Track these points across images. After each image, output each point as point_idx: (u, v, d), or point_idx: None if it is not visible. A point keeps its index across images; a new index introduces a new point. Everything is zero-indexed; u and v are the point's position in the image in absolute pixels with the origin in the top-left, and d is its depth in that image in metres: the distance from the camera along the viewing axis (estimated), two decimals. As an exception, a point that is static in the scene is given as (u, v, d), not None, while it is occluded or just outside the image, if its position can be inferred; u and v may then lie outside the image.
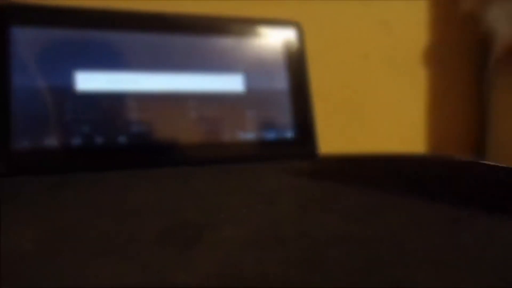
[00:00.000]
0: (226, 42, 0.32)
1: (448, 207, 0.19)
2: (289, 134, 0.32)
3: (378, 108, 0.48)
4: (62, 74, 0.28)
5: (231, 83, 0.31)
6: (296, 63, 0.33)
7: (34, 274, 0.13)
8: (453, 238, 0.16)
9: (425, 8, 0.51)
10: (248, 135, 0.31)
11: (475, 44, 0.51)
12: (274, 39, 0.34)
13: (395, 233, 0.16)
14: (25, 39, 0.27)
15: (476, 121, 0.51)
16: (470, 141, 0.52)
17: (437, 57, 0.51)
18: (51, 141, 0.26)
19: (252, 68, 0.32)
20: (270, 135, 0.31)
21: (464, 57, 0.52)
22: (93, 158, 0.27)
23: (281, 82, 0.33)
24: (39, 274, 0.13)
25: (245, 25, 0.33)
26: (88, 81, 0.28)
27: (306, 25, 0.35)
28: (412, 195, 0.21)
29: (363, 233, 0.16)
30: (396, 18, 0.48)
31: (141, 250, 0.14)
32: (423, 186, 0.23)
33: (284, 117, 0.32)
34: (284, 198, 0.21)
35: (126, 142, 0.28)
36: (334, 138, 0.44)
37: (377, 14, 0.48)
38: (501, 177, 0.27)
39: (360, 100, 0.48)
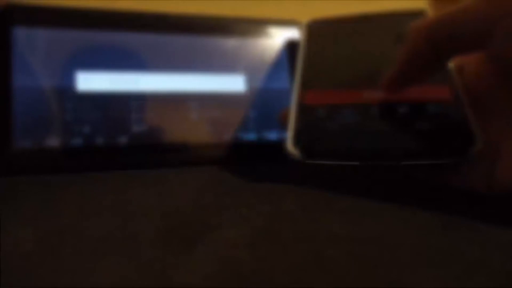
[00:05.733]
0: (228, 42, 0.32)
1: (447, 207, 0.19)
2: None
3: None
4: (63, 74, 0.28)
5: (233, 83, 0.31)
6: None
7: (34, 274, 0.13)
8: (452, 239, 0.16)
9: (425, 8, 0.50)
10: (250, 135, 0.31)
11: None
12: (276, 39, 0.34)
13: (395, 233, 0.16)
14: (26, 39, 0.27)
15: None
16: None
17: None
18: (52, 141, 0.26)
19: (254, 68, 0.32)
20: (272, 136, 0.31)
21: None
22: (93, 158, 0.27)
23: (283, 82, 0.33)
24: (39, 274, 0.13)
25: (247, 25, 0.33)
26: (89, 81, 0.28)
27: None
28: (411, 195, 0.21)
29: (363, 233, 0.16)
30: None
31: (141, 250, 0.14)
32: (422, 186, 0.23)
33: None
34: (284, 198, 0.21)
35: (127, 142, 0.28)
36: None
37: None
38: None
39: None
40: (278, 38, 0.34)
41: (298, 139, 0.22)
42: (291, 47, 0.34)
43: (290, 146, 0.22)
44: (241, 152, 0.30)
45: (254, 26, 0.33)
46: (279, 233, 0.16)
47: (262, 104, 0.32)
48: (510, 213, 0.19)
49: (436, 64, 0.22)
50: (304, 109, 0.24)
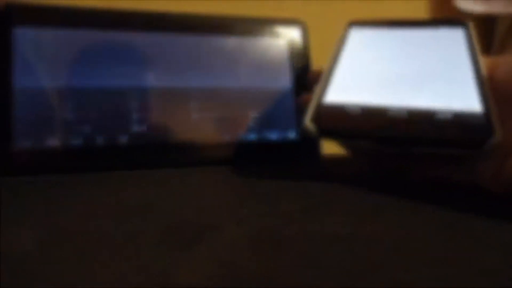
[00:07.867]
0: (230, 41, 0.32)
1: (447, 207, 0.19)
2: (292, 134, 0.32)
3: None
4: (64, 73, 0.28)
5: (233, 83, 0.31)
6: (300, 62, 0.33)
7: (34, 274, 0.13)
8: (452, 239, 0.16)
9: (425, 8, 0.50)
10: (251, 135, 0.31)
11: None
12: (278, 38, 0.34)
13: (395, 233, 0.16)
14: (27, 39, 0.27)
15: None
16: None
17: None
18: (52, 141, 0.26)
19: (255, 68, 0.32)
20: (273, 135, 0.31)
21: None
22: (93, 158, 0.27)
23: (284, 81, 0.33)
24: (39, 274, 0.13)
25: (249, 24, 0.33)
26: (90, 81, 0.28)
27: (310, 24, 0.35)
28: (412, 195, 0.21)
29: (363, 233, 0.16)
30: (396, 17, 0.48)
31: (141, 250, 0.14)
32: (422, 186, 0.23)
33: (287, 117, 0.32)
34: (284, 198, 0.21)
35: (127, 142, 0.28)
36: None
37: (379, 13, 0.48)
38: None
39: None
40: (279, 37, 0.34)
41: (317, 115, 0.23)
42: (292, 46, 0.34)
43: (308, 121, 0.23)
44: (241, 152, 0.30)
45: (257, 25, 0.33)
46: (279, 233, 0.16)
47: (262, 104, 0.31)
48: (510, 213, 0.19)
49: None
50: (328, 92, 0.24)
